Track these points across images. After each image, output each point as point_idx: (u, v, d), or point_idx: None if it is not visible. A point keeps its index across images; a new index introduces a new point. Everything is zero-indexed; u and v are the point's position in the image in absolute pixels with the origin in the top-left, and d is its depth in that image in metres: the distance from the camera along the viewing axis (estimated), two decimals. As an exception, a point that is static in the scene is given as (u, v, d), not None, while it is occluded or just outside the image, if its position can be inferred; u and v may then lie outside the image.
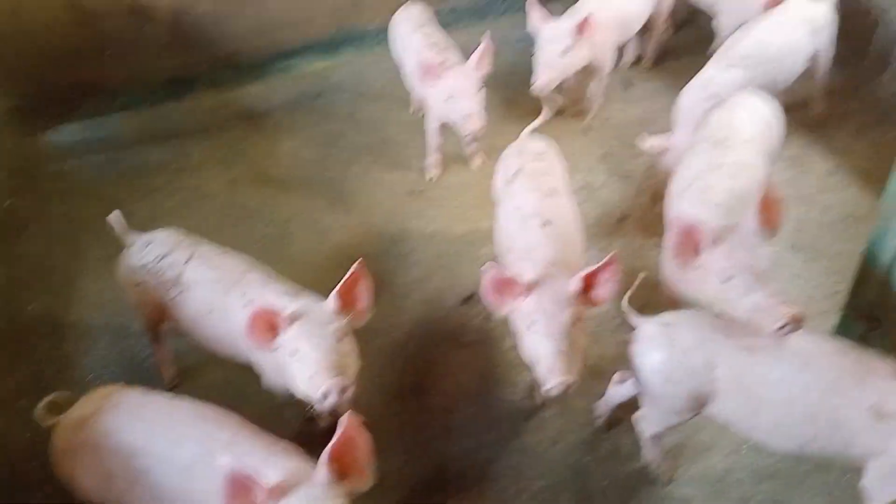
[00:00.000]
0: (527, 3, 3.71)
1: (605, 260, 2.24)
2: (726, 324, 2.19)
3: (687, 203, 2.58)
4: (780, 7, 3.49)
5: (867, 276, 2.42)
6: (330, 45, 4.87)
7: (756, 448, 2.58)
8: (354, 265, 2.32)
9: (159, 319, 2.79)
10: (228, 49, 4.75)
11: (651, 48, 4.44)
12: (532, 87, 3.62)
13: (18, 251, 3.70)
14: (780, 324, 2.07)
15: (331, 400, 2.15)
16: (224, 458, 1.76)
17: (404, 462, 2.71)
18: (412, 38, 3.82)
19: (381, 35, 4.27)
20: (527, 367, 2.38)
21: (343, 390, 2.14)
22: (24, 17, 4.26)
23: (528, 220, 2.57)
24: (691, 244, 2.27)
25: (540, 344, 2.20)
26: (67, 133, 4.40)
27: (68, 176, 4.21)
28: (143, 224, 2.86)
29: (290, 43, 4.83)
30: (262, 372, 2.53)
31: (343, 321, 2.28)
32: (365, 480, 1.92)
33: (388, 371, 3.02)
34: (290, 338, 2.22)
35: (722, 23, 4.02)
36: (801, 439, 2.09)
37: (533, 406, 2.83)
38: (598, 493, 2.56)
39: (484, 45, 3.44)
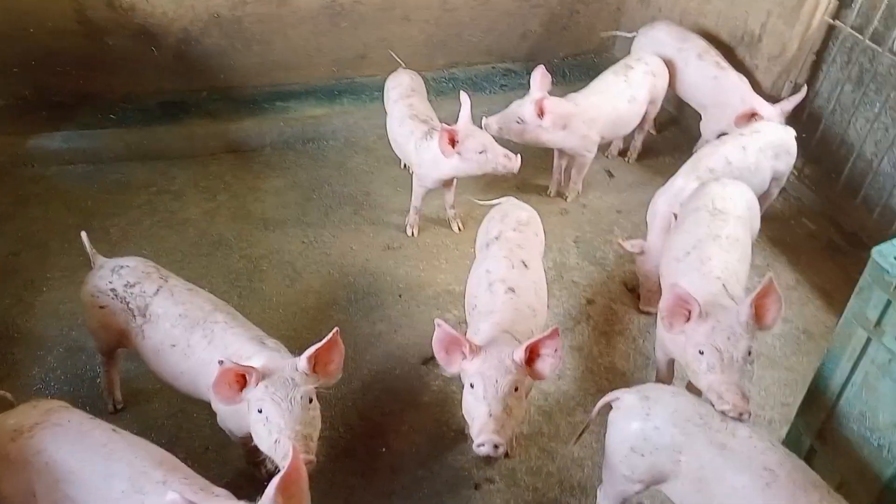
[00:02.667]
0: (536, 70, 3.81)
1: (548, 331, 2.30)
2: (707, 411, 2.22)
3: (686, 270, 2.68)
4: (749, 127, 3.68)
5: (816, 399, 2.47)
6: (329, 92, 5.00)
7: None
8: (331, 333, 2.28)
9: (117, 344, 2.76)
10: (230, 82, 4.86)
11: (635, 144, 4.63)
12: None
13: (-13, 248, 3.66)
14: (723, 409, 2.19)
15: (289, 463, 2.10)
16: (172, 494, 1.70)
17: (342, 518, 2.67)
18: (396, 105, 3.96)
19: (379, 90, 4.36)
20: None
21: (306, 462, 2.06)
22: (31, 21, 4.33)
23: (494, 284, 2.66)
24: (682, 311, 2.40)
25: (475, 405, 2.27)
26: (55, 139, 4.37)
27: (50, 181, 4.20)
28: (116, 240, 2.84)
29: (290, 85, 4.96)
30: (218, 412, 2.49)
31: (312, 384, 2.24)
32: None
33: (340, 423, 2.99)
34: (257, 396, 2.18)
35: (706, 126, 4.22)
36: None
37: (482, 476, 2.83)
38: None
39: (466, 101, 3.52)
